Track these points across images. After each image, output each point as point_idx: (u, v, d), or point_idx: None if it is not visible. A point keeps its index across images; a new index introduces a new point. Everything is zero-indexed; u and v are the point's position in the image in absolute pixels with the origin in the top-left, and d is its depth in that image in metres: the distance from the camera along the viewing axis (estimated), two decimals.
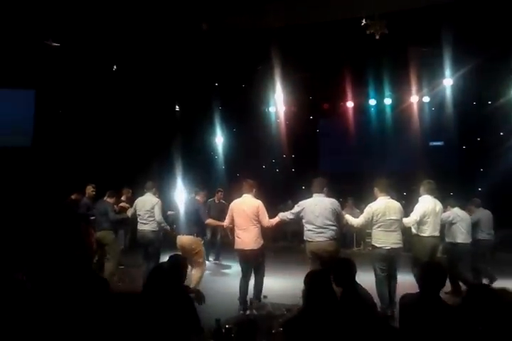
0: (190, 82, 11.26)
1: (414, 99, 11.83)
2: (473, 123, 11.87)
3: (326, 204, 5.68)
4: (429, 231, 6.03)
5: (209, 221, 6.72)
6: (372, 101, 12.67)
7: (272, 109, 13.26)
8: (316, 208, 5.65)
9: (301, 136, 13.62)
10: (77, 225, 7.87)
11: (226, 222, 6.23)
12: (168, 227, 7.16)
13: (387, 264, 5.61)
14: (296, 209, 5.84)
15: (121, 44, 9.41)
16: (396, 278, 5.72)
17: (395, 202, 5.86)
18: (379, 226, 5.65)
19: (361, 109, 13.07)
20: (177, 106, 13.04)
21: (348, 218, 5.98)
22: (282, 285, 6.56)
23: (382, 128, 12.94)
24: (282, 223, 6.21)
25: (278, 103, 12.73)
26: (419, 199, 6.21)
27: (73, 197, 8.25)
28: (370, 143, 13.18)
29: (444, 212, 6.81)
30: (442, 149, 13.16)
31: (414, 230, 6.09)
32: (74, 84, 10.61)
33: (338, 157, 13.56)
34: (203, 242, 6.85)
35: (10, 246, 6.84)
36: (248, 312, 3.50)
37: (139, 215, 7.05)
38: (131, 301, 3.10)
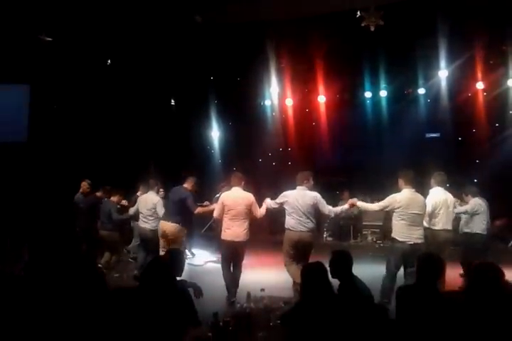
0: (185, 76, 11.21)
1: (409, 90, 11.82)
2: (469, 114, 11.87)
3: (307, 198, 5.91)
4: (441, 224, 5.97)
5: (199, 210, 6.68)
6: (367, 94, 12.64)
7: (267, 102, 13.22)
8: (298, 200, 5.88)
9: (297, 129, 13.59)
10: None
11: (216, 214, 6.23)
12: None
13: (405, 260, 5.49)
14: (280, 199, 6.05)
15: (116, 38, 9.36)
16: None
17: (420, 195, 5.79)
18: (402, 219, 5.56)
19: (357, 101, 13.05)
20: (172, 100, 13.00)
21: (363, 204, 6.18)
22: (279, 278, 6.57)
23: (378, 120, 12.93)
24: (268, 211, 6.36)
25: (274, 96, 12.70)
26: (430, 191, 6.15)
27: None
28: (367, 136, 13.16)
29: (461, 201, 6.75)
30: (439, 141, 13.16)
31: (425, 223, 5.95)
32: (69, 79, 10.55)
33: (335, 150, 13.54)
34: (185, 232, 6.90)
35: (7, 242, 6.84)
36: (245, 305, 3.50)
37: (141, 213, 7.17)
38: (127, 295, 3.10)
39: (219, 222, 6.62)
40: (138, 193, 8.30)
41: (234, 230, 5.99)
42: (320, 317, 2.96)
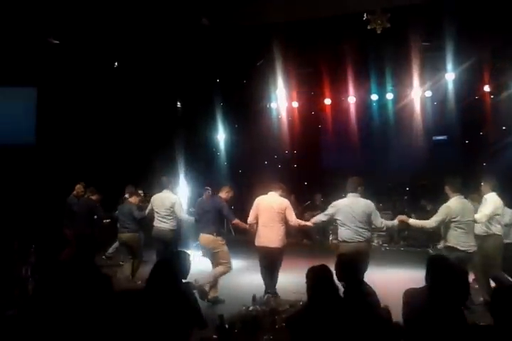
0: (191, 78, 11.24)
1: (416, 93, 11.78)
2: (476, 117, 11.82)
3: (362, 205, 5.54)
4: (499, 229, 5.84)
5: (236, 221, 6.43)
6: (374, 97, 12.61)
7: (273, 105, 13.22)
8: (353, 207, 5.50)
9: (303, 131, 13.59)
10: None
11: (250, 219, 6.10)
12: (193, 220, 6.84)
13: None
14: (330, 210, 5.69)
15: (123, 41, 9.40)
16: None
17: (468, 202, 5.69)
18: (459, 228, 5.41)
19: (363, 104, 13.02)
20: (179, 103, 13.03)
21: (416, 222, 5.77)
22: (285, 280, 6.56)
23: (384, 123, 12.90)
24: (309, 227, 6.22)
25: (280, 99, 12.71)
26: (486, 196, 5.95)
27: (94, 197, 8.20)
28: (373, 139, 13.14)
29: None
30: (446, 144, 13.11)
31: (484, 228, 5.80)
32: (76, 81, 10.60)
33: (341, 152, 13.53)
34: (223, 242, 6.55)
35: (15, 244, 6.86)
36: (251, 307, 3.50)
37: (157, 213, 6.85)
38: (134, 297, 3.11)
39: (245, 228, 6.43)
40: (126, 195, 8.33)
41: (267, 236, 5.85)
42: (325, 321, 2.96)
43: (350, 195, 5.66)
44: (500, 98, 11.33)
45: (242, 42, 9.73)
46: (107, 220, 8.24)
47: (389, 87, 12.20)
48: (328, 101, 12.79)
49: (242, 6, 8.59)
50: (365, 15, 8.27)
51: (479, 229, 5.81)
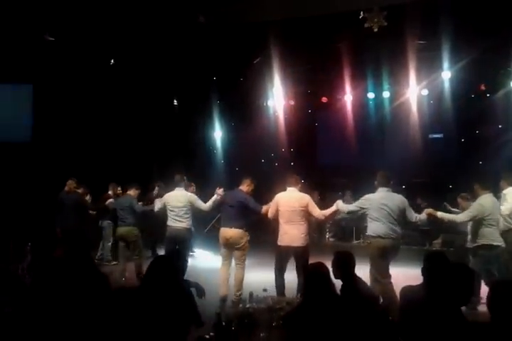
0: (188, 76, 11.23)
1: (412, 92, 11.81)
2: (472, 115, 11.87)
3: (396, 200, 5.41)
4: None
5: (266, 208, 6.05)
6: (370, 95, 12.64)
7: (270, 103, 13.23)
8: (387, 203, 5.34)
9: (300, 129, 13.60)
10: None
11: (270, 215, 5.86)
12: (215, 197, 6.44)
13: (496, 264, 5.46)
14: (364, 203, 5.49)
15: (119, 38, 9.37)
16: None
17: (496, 200, 5.72)
18: (491, 224, 5.47)
19: (360, 102, 13.05)
20: (175, 101, 13.01)
21: (444, 215, 5.73)
22: None
23: (380, 121, 12.93)
24: (334, 214, 5.99)
25: (276, 97, 12.71)
26: (505, 192, 5.92)
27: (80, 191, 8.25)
28: (369, 136, 13.17)
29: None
30: (442, 142, 13.17)
31: (505, 223, 5.76)
32: (72, 79, 10.58)
33: (337, 150, 13.56)
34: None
35: (10, 242, 6.84)
36: (248, 305, 3.50)
37: (172, 211, 6.50)
38: (130, 295, 3.10)
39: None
40: (109, 192, 8.32)
41: (290, 234, 5.61)
42: (322, 318, 2.97)
43: (382, 189, 5.47)
44: (496, 97, 11.38)
45: (239, 40, 9.72)
46: (93, 212, 8.32)
47: (385, 86, 12.22)
48: (324, 100, 12.80)
49: (239, 4, 8.58)
50: (361, 13, 8.27)
51: (501, 224, 5.80)
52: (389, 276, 5.25)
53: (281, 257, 5.74)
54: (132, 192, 7.35)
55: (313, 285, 3.18)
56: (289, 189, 5.88)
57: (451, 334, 2.67)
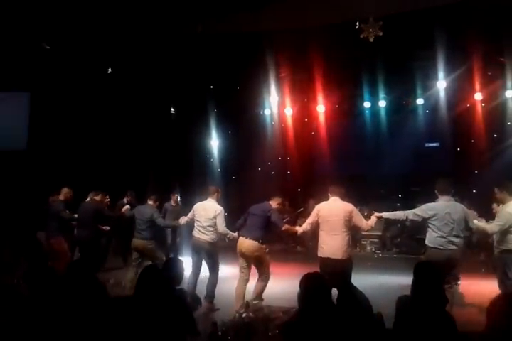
0: (185, 85, 11.26)
1: (408, 101, 11.88)
2: (467, 125, 11.93)
3: (459, 210, 5.21)
4: None
5: (286, 227, 6.06)
6: (366, 104, 12.71)
7: (267, 112, 13.27)
8: (451, 213, 5.14)
9: (297, 138, 13.63)
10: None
11: (306, 228, 5.67)
12: (235, 235, 6.31)
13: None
14: (425, 212, 5.21)
15: (116, 46, 9.41)
16: None
17: None
18: None
19: (356, 111, 13.11)
20: (172, 109, 13.04)
21: (479, 224, 5.53)
22: (279, 287, 6.55)
23: (377, 130, 12.99)
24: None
25: (273, 105, 12.75)
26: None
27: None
28: (365, 145, 13.21)
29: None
30: (438, 151, 13.23)
31: None
32: (69, 87, 10.59)
33: (334, 159, 13.58)
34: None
35: (6, 250, 6.80)
36: (244, 314, 3.49)
37: (198, 222, 6.31)
38: (126, 304, 3.09)
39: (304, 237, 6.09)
40: (124, 199, 8.21)
41: (331, 246, 5.33)
42: (319, 328, 2.96)
43: (444, 198, 5.26)
44: (492, 106, 11.45)
45: (236, 49, 9.77)
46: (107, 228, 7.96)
47: (381, 95, 12.30)
48: (321, 109, 12.85)
49: (236, 13, 8.64)
50: (357, 24, 8.34)
51: None
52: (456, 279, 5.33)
53: (322, 270, 5.25)
54: (153, 203, 7.06)
55: (310, 295, 3.18)
56: (332, 198, 5.63)
57: None
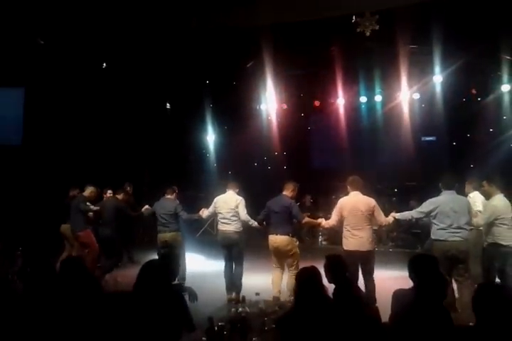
0: (181, 80, 11.22)
1: (404, 96, 11.88)
2: (463, 119, 11.95)
3: (462, 203, 5.40)
4: None
5: (306, 220, 6.24)
6: (362, 99, 12.70)
7: (263, 107, 13.25)
8: (454, 207, 5.29)
9: (293, 133, 13.63)
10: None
11: (332, 222, 5.76)
12: (256, 224, 6.41)
13: (506, 262, 5.45)
14: (427, 207, 5.44)
15: (111, 41, 9.35)
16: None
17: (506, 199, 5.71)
18: (503, 224, 5.48)
19: (352, 106, 13.10)
20: (168, 104, 13.00)
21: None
22: None
23: (373, 124, 12.99)
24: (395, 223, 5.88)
25: (269, 101, 12.73)
26: (471, 195, 6.05)
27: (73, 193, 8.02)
28: (362, 140, 13.22)
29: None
30: (434, 145, 13.25)
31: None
32: (64, 82, 10.53)
33: (330, 154, 13.59)
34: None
35: (0, 246, 6.78)
36: (240, 309, 3.50)
37: (221, 214, 6.43)
38: (122, 299, 3.08)
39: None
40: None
41: (358, 238, 5.46)
42: (315, 322, 2.96)
43: (447, 192, 5.44)
44: (487, 101, 11.47)
45: (232, 44, 9.73)
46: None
47: (377, 90, 12.29)
48: (317, 104, 12.84)
49: (232, 8, 8.59)
50: (353, 17, 8.31)
51: None
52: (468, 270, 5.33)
53: (350, 263, 5.28)
54: (172, 196, 7.08)
55: (306, 289, 3.18)
56: (353, 193, 5.71)
57: (439, 337, 2.68)
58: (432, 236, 5.44)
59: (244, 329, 3.22)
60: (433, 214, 5.36)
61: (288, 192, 6.23)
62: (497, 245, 5.50)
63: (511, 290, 2.44)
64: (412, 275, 3.13)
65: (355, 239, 5.49)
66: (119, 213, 7.40)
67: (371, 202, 5.63)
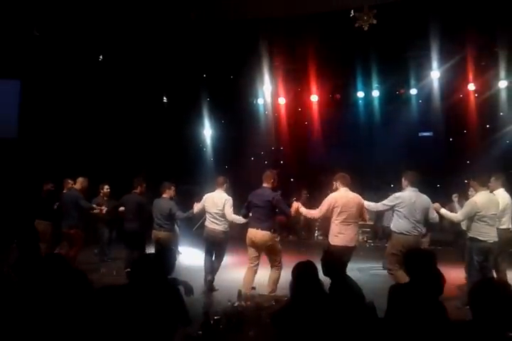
0: (178, 74, 11.17)
1: (401, 91, 11.88)
2: (460, 115, 11.95)
3: (423, 200, 5.68)
4: (507, 223, 6.05)
5: (294, 213, 6.03)
6: (360, 94, 12.68)
7: (260, 101, 13.22)
8: (416, 202, 5.61)
9: (290, 127, 13.61)
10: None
11: (317, 214, 5.83)
12: (243, 220, 6.29)
13: (486, 257, 5.60)
14: (393, 200, 5.73)
15: (108, 34, 9.29)
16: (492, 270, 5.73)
17: (495, 196, 5.84)
18: (483, 220, 5.61)
19: (349, 101, 13.09)
20: (165, 98, 12.94)
21: (447, 213, 5.91)
22: None
23: (370, 119, 12.98)
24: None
25: (266, 95, 12.70)
26: (495, 192, 6.05)
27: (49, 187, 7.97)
28: (359, 135, 13.21)
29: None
30: (431, 141, 13.25)
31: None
32: (60, 74, 10.46)
33: (327, 149, 13.57)
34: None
35: None
36: (236, 303, 3.50)
37: (209, 213, 6.46)
38: (117, 292, 3.07)
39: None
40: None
41: (347, 234, 5.58)
42: (311, 316, 2.97)
43: (410, 189, 5.73)
44: (484, 97, 11.47)
45: (229, 37, 9.68)
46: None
47: (375, 85, 12.27)
48: (314, 98, 12.81)
49: (230, 1, 8.54)
50: (351, 12, 8.28)
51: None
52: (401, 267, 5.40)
53: (337, 257, 5.51)
54: (168, 194, 7.01)
55: (302, 283, 3.18)
56: (343, 189, 5.77)
57: (435, 332, 2.69)
58: (395, 230, 5.70)
59: (240, 324, 3.22)
60: (398, 208, 5.65)
61: (268, 183, 6.05)
62: (475, 240, 5.64)
63: (508, 285, 2.44)
64: (408, 271, 3.14)
65: (344, 235, 5.58)
66: (141, 208, 7.31)
67: (360, 199, 5.78)
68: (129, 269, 6.77)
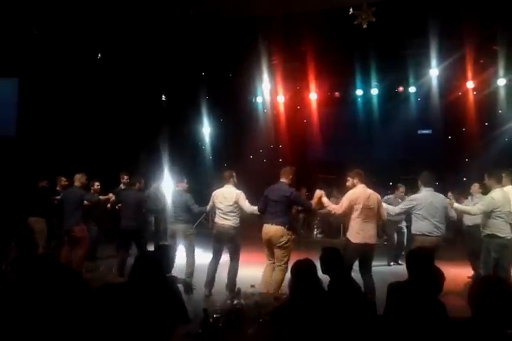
0: (176, 72, 11.16)
1: (400, 89, 11.88)
2: (459, 113, 11.96)
3: (440, 199, 5.64)
4: None
5: (316, 206, 5.93)
6: (359, 92, 12.68)
7: (259, 99, 13.21)
8: (433, 202, 5.56)
9: (289, 125, 13.61)
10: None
11: (340, 210, 5.64)
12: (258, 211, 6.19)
13: (503, 254, 5.60)
14: (409, 203, 5.71)
15: (107, 32, 9.27)
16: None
17: (507, 193, 5.82)
18: (500, 217, 5.63)
19: (348, 99, 13.09)
20: (163, 96, 12.93)
21: (460, 207, 5.92)
22: None
23: (369, 117, 12.99)
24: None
25: (265, 93, 12.70)
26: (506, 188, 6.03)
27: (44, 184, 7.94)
28: (358, 133, 13.22)
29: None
30: (430, 139, 13.27)
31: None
32: (59, 73, 10.45)
33: (326, 147, 13.59)
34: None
35: None
36: (235, 301, 3.49)
37: (219, 209, 6.31)
38: (116, 290, 3.07)
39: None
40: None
41: (367, 232, 5.51)
42: (310, 314, 2.97)
43: (424, 189, 5.67)
44: (483, 95, 11.47)
45: (228, 35, 9.67)
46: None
47: (374, 83, 12.27)
48: (313, 96, 12.80)
49: None
50: (350, 10, 8.28)
51: None
52: None
53: (354, 255, 5.47)
54: (181, 188, 6.88)
55: (301, 281, 3.18)
56: (361, 186, 5.67)
57: (434, 330, 2.69)
58: (416, 232, 5.62)
59: (239, 321, 3.22)
60: (417, 210, 5.58)
61: (286, 179, 5.99)
62: (493, 236, 5.65)
63: (507, 282, 2.44)
64: (408, 269, 3.14)
65: (364, 232, 5.51)
66: (141, 205, 7.28)
67: (378, 196, 5.73)
68: (118, 268, 6.81)
